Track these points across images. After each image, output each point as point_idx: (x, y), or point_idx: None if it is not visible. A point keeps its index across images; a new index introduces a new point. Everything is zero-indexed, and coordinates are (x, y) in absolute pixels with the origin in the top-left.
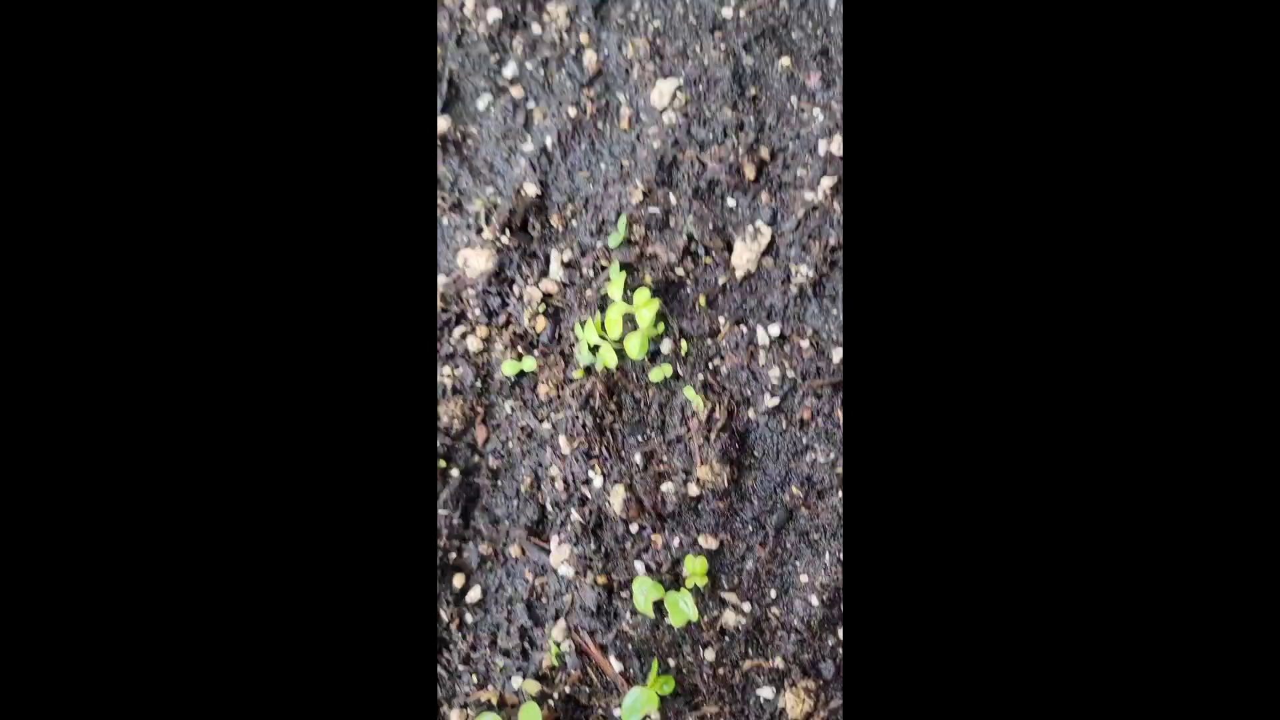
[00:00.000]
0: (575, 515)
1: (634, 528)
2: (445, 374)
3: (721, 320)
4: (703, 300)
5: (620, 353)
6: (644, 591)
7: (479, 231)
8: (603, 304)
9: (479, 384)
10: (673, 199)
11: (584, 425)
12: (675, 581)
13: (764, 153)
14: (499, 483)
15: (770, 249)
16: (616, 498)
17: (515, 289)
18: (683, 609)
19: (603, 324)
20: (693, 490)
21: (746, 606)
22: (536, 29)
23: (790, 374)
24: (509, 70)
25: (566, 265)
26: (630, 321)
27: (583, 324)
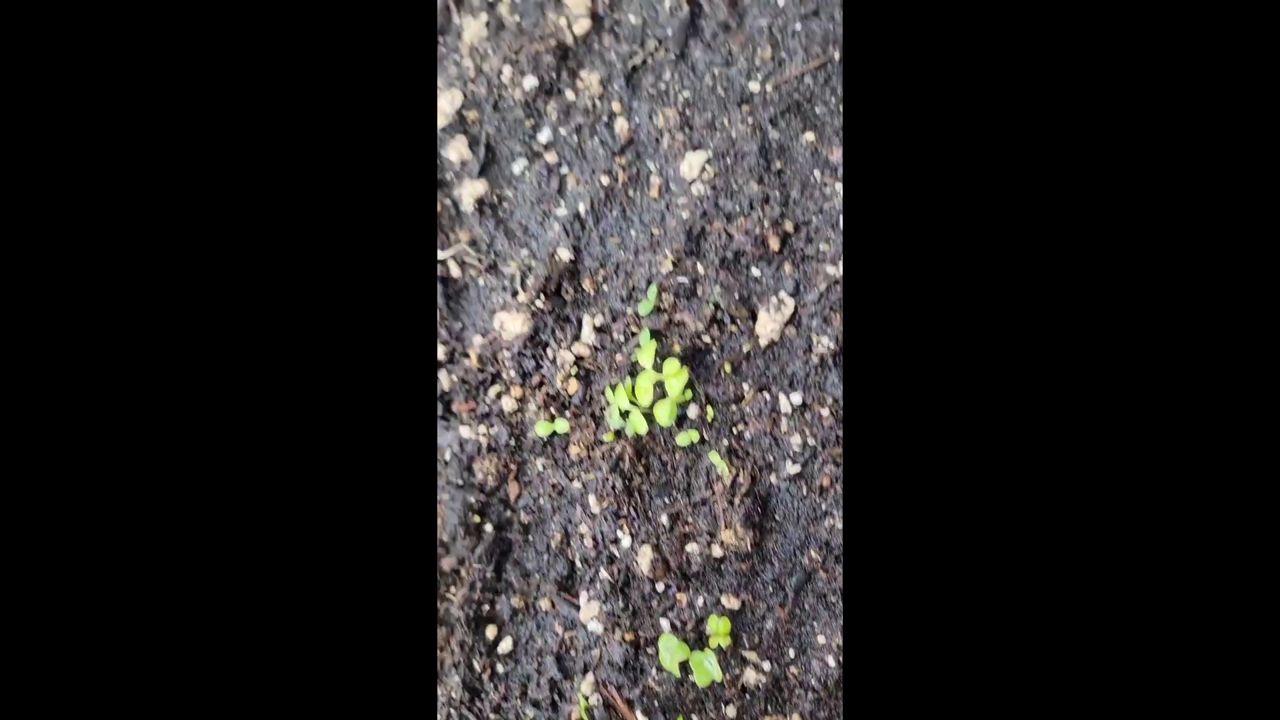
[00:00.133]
0: (604, 573)
1: (660, 586)
2: (480, 432)
3: (746, 387)
4: (728, 367)
5: (649, 418)
6: (670, 651)
7: (514, 295)
8: (633, 369)
9: (512, 442)
10: (700, 268)
11: (613, 487)
12: (699, 639)
13: (788, 226)
14: (530, 538)
15: (793, 319)
16: (644, 557)
17: (549, 352)
18: (707, 669)
19: (633, 390)
20: (716, 551)
21: (766, 665)
22: (570, 95)
23: (811, 441)
24: (544, 135)
25: (598, 330)
26: (660, 388)
27: (613, 388)
